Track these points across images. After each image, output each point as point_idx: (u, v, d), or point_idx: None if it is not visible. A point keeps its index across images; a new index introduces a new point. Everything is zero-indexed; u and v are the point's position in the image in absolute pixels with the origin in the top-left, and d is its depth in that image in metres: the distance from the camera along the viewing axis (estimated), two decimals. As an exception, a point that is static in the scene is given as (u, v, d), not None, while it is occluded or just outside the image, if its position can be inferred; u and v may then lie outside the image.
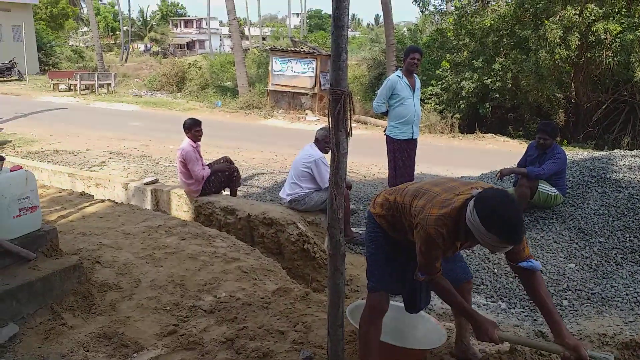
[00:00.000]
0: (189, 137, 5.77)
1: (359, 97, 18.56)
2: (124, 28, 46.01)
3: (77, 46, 40.21)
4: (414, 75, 5.83)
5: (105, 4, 63.53)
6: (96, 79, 23.98)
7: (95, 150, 10.04)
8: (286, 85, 18.57)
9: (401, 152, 5.83)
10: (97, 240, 4.28)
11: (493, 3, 16.33)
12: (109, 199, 5.97)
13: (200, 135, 5.85)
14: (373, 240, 2.66)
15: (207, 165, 5.99)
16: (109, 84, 24.29)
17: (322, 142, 5.44)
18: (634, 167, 5.70)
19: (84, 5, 48.93)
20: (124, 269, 3.77)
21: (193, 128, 5.77)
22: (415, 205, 2.38)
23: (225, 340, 2.95)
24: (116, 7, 53.21)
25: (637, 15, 12.79)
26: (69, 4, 41.87)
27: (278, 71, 18.64)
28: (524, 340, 2.55)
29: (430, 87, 15.96)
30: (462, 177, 7.55)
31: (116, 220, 4.94)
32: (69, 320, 3.15)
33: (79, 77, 23.50)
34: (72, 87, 24.11)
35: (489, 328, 2.30)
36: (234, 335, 2.99)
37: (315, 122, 16.51)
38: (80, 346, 2.88)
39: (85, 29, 53.18)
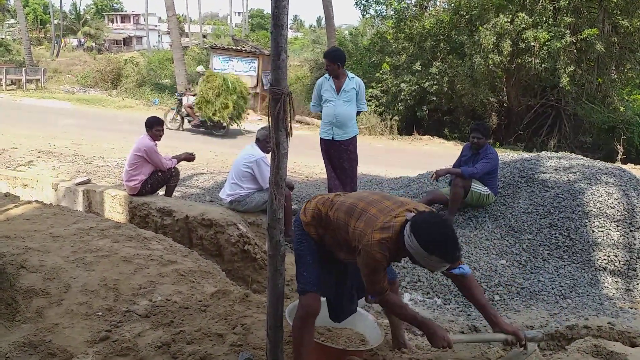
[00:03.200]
0: (150, 135, 5.66)
1: (301, 98, 18.61)
2: (55, 21, 43.82)
3: (2, 39, 37.86)
4: (348, 76, 5.67)
5: (34, -5, 60.22)
6: (24, 73, 22.73)
7: (22, 149, 9.48)
8: (227, 84, 18.29)
9: (327, 152, 5.84)
10: (23, 243, 4.04)
11: (431, 9, 16.86)
12: (36, 200, 5.65)
13: (161, 135, 5.77)
14: (302, 242, 2.63)
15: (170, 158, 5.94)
16: (38, 79, 23.09)
17: (263, 142, 5.40)
18: (559, 168, 6.04)
19: (10, -5, 46.21)
20: (52, 274, 3.58)
21: (155, 127, 5.67)
22: (355, 226, 2.37)
23: (161, 345, 2.86)
24: (46, -1, 50.68)
25: (562, 25, 13.58)
26: (-6, -6, 39.42)
27: (219, 69, 18.35)
28: (473, 338, 2.69)
29: (370, 89, 16.24)
30: (400, 177, 7.73)
31: (44, 222, 4.69)
32: (-10, 329, 2.96)
33: (4, 71, 22.17)
34: (-4, 82, 22.70)
35: (443, 335, 2.39)
36: (170, 339, 2.91)
37: (257, 122, 16.39)
38: (2, 357, 2.71)
39: (12, 21, 50.16)
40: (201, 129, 13.63)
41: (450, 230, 2.22)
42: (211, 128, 13.49)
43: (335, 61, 5.50)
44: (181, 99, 14.08)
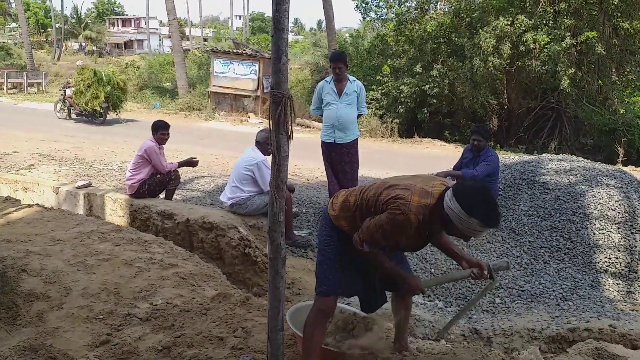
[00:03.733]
0: (155, 139, 5.70)
1: (302, 101, 18.62)
2: (56, 25, 43.90)
3: (4, 43, 37.93)
4: (349, 79, 5.71)
5: (35, -1, 60.38)
6: (25, 77, 22.78)
7: (23, 152, 9.50)
8: (228, 87, 18.33)
9: (327, 155, 5.86)
10: (24, 247, 4.04)
11: (431, 12, 16.88)
12: (37, 204, 5.65)
13: (166, 139, 5.80)
14: (329, 243, 2.63)
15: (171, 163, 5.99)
16: (39, 83, 23.12)
17: (263, 144, 5.41)
18: (560, 170, 6.04)
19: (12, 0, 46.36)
20: (53, 277, 3.58)
21: (159, 130, 5.71)
22: (388, 194, 2.38)
23: (161, 349, 2.86)
24: (47, 3, 50.72)
25: (562, 27, 13.59)
26: (-5, -2, 39.54)
27: (220, 73, 18.37)
28: (442, 279, 2.87)
29: (371, 92, 16.25)
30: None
31: (45, 226, 4.69)
32: (-9, 333, 2.95)
33: (5, 75, 22.22)
34: (-2, 86, 22.75)
35: (416, 283, 2.54)
36: (170, 343, 2.91)
37: (258, 125, 16.40)
38: (3, 360, 2.71)
39: (14, 24, 50.30)
40: (83, 118, 15.10)
41: (492, 196, 2.28)
42: (90, 116, 14.90)
43: (345, 62, 5.61)
44: (65, 91, 15.47)
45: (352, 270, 2.63)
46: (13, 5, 45.20)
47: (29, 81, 22.77)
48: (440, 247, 2.69)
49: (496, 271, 2.59)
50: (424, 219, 2.31)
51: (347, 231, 2.59)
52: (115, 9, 70.50)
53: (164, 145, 5.82)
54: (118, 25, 64.97)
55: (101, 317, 3.20)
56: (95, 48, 49.81)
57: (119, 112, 15.56)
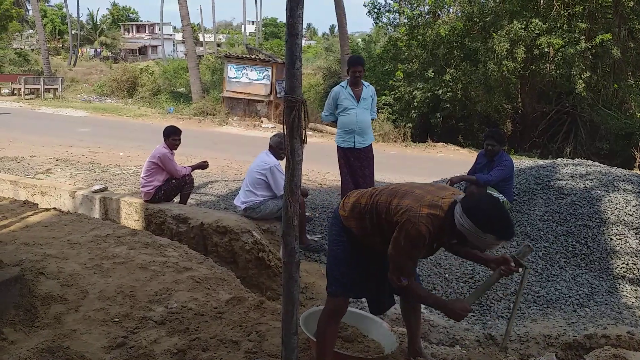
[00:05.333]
0: (166, 144, 5.76)
1: (314, 106, 18.66)
2: (73, 31, 44.52)
3: (21, 49, 38.57)
4: (364, 84, 5.80)
5: (52, 6, 61.29)
6: (42, 83, 23.13)
7: (41, 157, 9.64)
8: (241, 93, 18.45)
9: (346, 160, 5.87)
10: (42, 250, 4.09)
11: (443, 16, 16.83)
12: (54, 208, 5.73)
13: (177, 145, 5.85)
14: (340, 243, 2.64)
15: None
16: (55, 89, 23.48)
17: (276, 149, 5.43)
18: (576, 175, 5.98)
19: (29, 7, 47.08)
20: (70, 280, 3.62)
21: (171, 136, 5.76)
22: (398, 203, 2.40)
23: (176, 352, 2.88)
24: (64, 10, 51.47)
25: (577, 31, 13.47)
26: (14, 5, 40.14)
27: (233, 78, 18.50)
28: (480, 291, 2.77)
29: (383, 97, 16.23)
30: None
31: (62, 229, 4.75)
32: (10, 335, 3.00)
33: (23, 80, 22.58)
34: (16, 92, 23.13)
35: (461, 306, 2.45)
36: (185, 346, 2.93)
37: (271, 130, 16.46)
38: (21, 362, 2.74)
39: (31, 31, 51.09)
40: None
41: (503, 209, 2.26)
42: None
43: (364, 66, 5.74)
44: None
45: (363, 271, 2.63)
46: (30, 12, 45.94)
47: (45, 87, 23.11)
48: (463, 256, 2.73)
49: (522, 258, 2.58)
50: (434, 230, 2.32)
51: (356, 232, 2.60)
52: (130, 15, 71.40)
53: (174, 151, 5.88)
54: (133, 31, 65.73)
55: (117, 320, 3.24)
56: (110, 54, 50.44)
57: None
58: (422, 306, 3.03)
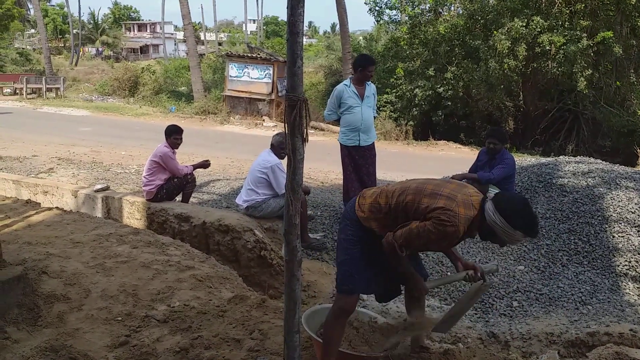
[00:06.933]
0: (168, 143, 5.76)
1: (316, 104, 18.66)
2: (74, 31, 44.56)
3: (23, 49, 38.61)
4: (367, 83, 5.80)
5: (53, 5, 61.31)
6: (44, 82, 23.16)
7: (43, 156, 9.66)
8: (243, 91, 18.45)
9: (351, 158, 5.88)
10: (44, 249, 4.10)
11: (445, 14, 16.81)
12: (56, 207, 5.74)
13: (179, 144, 5.86)
14: (356, 243, 2.64)
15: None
16: (57, 88, 23.50)
17: (277, 147, 5.43)
18: (578, 172, 5.97)
19: (30, 6, 47.07)
20: (72, 279, 3.63)
21: (173, 134, 5.77)
22: (430, 203, 2.42)
23: (179, 350, 2.89)
24: (65, 9, 51.51)
25: (578, 28, 13.44)
26: (15, 5, 40.19)
27: (234, 77, 18.50)
28: (442, 280, 3.12)
29: (385, 95, 16.22)
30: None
31: (64, 228, 4.76)
32: (13, 333, 3.01)
33: (25, 80, 22.61)
34: (17, 91, 23.17)
35: (423, 286, 2.68)
36: (188, 344, 2.93)
37: (272, 129, 16.48)
38: (25, 361, 2.75)
39: (32, 31, 51.13)
40: None
41: (531, 208, 2.41)
42: None
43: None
44: None
45: (375, 268, 2.66)
46: (32, 11, 45.98)
47: (47, 86, 23.14)
48: (442, 251, 2.85)
49: (487, 273, 2.73)
50: (466, 229, 2.41)
51: (379, 232, 2.61)
52: (132, 14, 71.40)
53: (176, 150, 5.88)
54: (134, 31, 65.77)
55: (120, 318, 3.24)
56: (111, 53, 50.50)
57: None
58: (426, 303, 3.04)
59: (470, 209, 2.39)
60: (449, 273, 4.80)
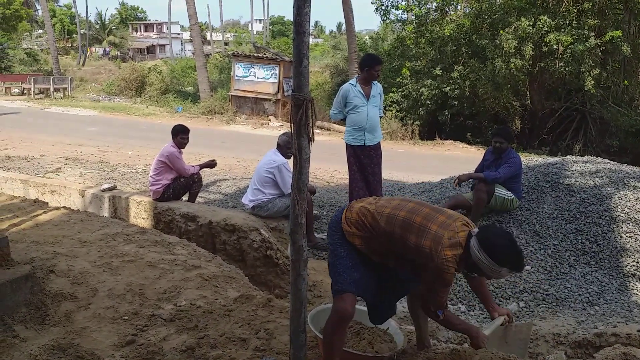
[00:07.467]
0: (175, 143, 5.77)
1: (322, 104, 18.66)
2: (81, 31, 44.80)
3: (31, 49, 38.85)
4: (373, 83, 5.79)
5: (61, 6, 61.63)
6: (52, 82, 23.30)
7: (50, 156, 9.72)
8: (249, 91, 18.48)
9: (356, 158, 5.87)
10: (52, 248, 4.13)
11: (451, 13, 16.76)
12: (64, 206, 5.78)
13: (185, 143, 5.86)
14: (343, 245, 2.62)
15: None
16: (65, 88, 23.63)
17: (284, 147, 5.44)
18: (585, 172, 5.93)
19: (38, 7, 47.37)
20: (80, 278, 3.65)
21: (179, 134, 5.78)
22: (417, 243, 2.43)
23: (185, 349, 2.90)
24: (73, 10, 51.78)
25: (586, 27, 13.35)
26: (23, 6, 40.48)
27: (241, 77, 18.53)
28: (492, 329, 2.91)
29: (391, 95, 16.19)
30: (422, 182, 7.69)
31: (72, 228, 4.79)
32: (21, 332, 3.03)
33: (33, 80, 22.75)
34: (25, 91, 23.32)
35: (484, 337, 2.64)
36: (194, 343, 2.94)
37: (278, 128, 16.49)
38: (32, 359, 2.77)
39: (40, 31, 51.47)
40: None
41: (516, 243, 2.43)
42: None
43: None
44: None
45: (365, 271, 2.62)
46: (39, 12, 46.26)
47: (55, 86, 23.28)
48: (474, 289, 2.90)
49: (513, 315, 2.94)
50: (458, 265, 2.44)
51: (361, 249, 2.61)
52: (138, 14, 71.71)
53: (182, 149, 5.90)
54: (141, 31, 66.05)
55: (126, 317, 3.26)
56: (118, 53, 50.73)
57: None
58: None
59: (457, 248, 2.40)
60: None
